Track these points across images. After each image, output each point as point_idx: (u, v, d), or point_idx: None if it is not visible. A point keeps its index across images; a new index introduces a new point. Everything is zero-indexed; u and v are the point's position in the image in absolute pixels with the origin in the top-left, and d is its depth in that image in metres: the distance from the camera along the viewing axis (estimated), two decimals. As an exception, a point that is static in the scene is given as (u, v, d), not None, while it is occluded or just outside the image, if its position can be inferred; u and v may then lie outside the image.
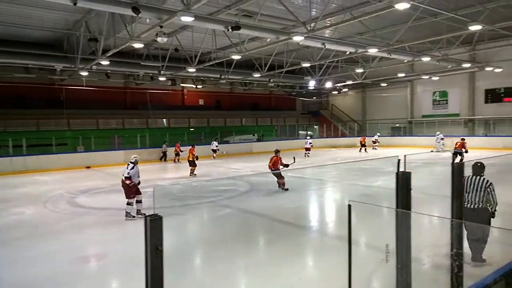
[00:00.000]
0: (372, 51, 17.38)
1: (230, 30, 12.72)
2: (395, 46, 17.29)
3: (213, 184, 13.51)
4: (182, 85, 29.90)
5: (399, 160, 2.38)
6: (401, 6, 10.81)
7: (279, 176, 11.36)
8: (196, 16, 11.61)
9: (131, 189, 8.48)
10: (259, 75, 23.96)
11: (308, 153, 23.79)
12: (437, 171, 15.09)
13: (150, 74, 24.30)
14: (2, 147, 19.68)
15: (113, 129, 26.08)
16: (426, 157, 19.03)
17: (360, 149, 26.12)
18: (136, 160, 8.77)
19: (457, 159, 16.31)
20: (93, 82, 24.42)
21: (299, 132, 35.04)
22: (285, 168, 11.48)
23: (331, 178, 14.67)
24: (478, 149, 22.84)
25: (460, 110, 28.05)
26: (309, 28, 13.88)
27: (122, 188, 8.75)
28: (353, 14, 14.44)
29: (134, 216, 8.37)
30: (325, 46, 16.42)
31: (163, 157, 23.65)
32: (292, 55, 22.28)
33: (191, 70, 20.73)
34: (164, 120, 30.33)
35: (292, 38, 14.34)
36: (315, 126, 37.87)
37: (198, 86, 28.37)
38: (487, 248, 4.78)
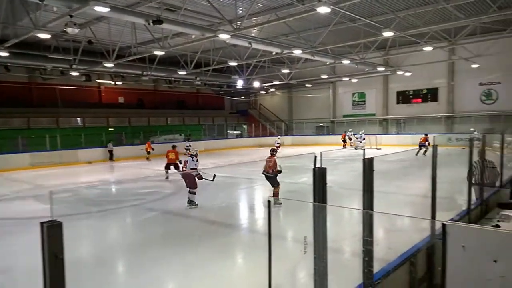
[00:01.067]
0: (297, 52, 17.70)
1: (151, 24, 11.88)
2: (318, 48, 17.83)
3: (136, 187, 13.05)
4: (98, 81, 27.57)
5: (315, 156, 2.48)
6: (323, 10, 11.14)
7: (276, 183, 9.21)
8: (112, 7, 10.59)
9: (194, 179, 9.03)
10: (185, 73, 23.08)
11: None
12: (356, 167, 15.94)
13: (60, 68, 21.91)
14: None
15: (16, 129, 23.08)
16: (347, 154, 20.08)
17: (344, 145, 26.75)
18: (196, 152, 9.85)
19: (421, 151, 18.06)
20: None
21: (228, 131, 34.77)
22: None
23: (260, 176, 14.72)
24: (391, 146, 24.88)
25: (376, 110, 30.29)
26: (235, 27, 13.56)
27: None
28: (278, 15, 14.49)
29: (197, 204, 9.01)
30: (251, 45, 16.28)
31: (110, 156, 22.33)
32: (219, 53, 21.84)
33: (109, 65, 19.11)
34: (79, 119, 27.72)
35: (218, 36, 13.89)
36: (243, 126, 37.96)
37: (117, 83, 26.40)
38: (394, 235, 4.92)
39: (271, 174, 9.01)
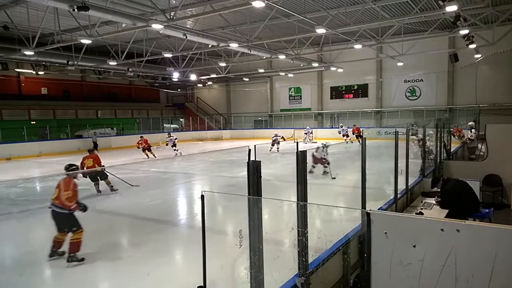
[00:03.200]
0: (233, 45, 17.61)
1: (76, 10, 10.94)
2: (254, 42, 17.91)
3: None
4: (17, 70, 24.91)
5: (249, 149, 2.42)
6: (257, 4, 11.17)
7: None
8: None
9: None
10: (115, 63, 21.75)
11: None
12: (293, 160, 16.46)
13: (-30, 55, 19.37)
14: None
15: None
16: (285, 148, 20.55)
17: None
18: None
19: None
20: None
21: (165, 125, 33.64)
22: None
23: (199, 171, 14.55)
24: (326, 139, 26.02)
25: (311, 105, 31.45)
26: (168, 17, 13.03)
27: None
28: (214, 7, 14.25)
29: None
30: (186, 37, 15.83)
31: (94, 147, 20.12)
32: (152, 44, 20.94)
33: (28, 53, 17.26)
34: (-6, 111, 24.85)
35: (150, 26, 13.25)
36: (180, 119, 37.04)
37: (39, 73, 24.04)
38: (329, 225, 5.10)
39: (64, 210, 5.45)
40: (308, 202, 4.23)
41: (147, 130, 30.87)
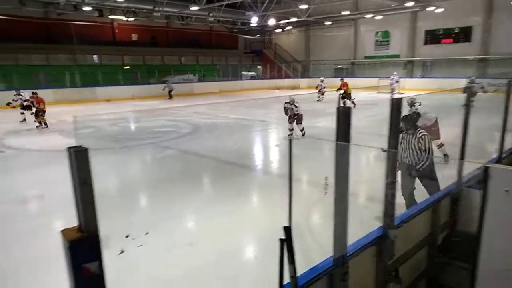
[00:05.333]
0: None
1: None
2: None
3: (153, 126, 13.21)
4: (111, 17, 26.59)
5: (340, 95, 2.14)
6: None
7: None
8: None
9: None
10: (197, 8, 21.91)
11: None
12: (376, 112, 15.44)
13: (73, 3, 21.05)
14: None
15: (36, 66, 23.01)
16: (365, 98, 19.35)
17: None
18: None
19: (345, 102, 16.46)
20: (6, 10, 20.80)
21: (243, 72, 33.92)
22: None
23: (274, 120, 14.58)
24: (414, 91, 23.86)
25: (400, 51, 28.66)
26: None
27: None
28: None
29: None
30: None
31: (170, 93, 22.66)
32: (233, -13, 20.48)
33: (119, -1, 18.20)
34: (95, 56, 27.32)
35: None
36: (258, 66, 36.87)
37: (129, 19, 25.39)
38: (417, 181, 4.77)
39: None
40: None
41: (226, 77, 31.50)
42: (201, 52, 33.59)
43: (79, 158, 1.35)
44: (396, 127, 2.97)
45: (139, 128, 13.68)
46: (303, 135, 9.89)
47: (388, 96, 19.22)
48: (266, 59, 36.76)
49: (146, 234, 4.34)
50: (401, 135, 4.54)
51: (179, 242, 4.27)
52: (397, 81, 22.39)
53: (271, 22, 29.00)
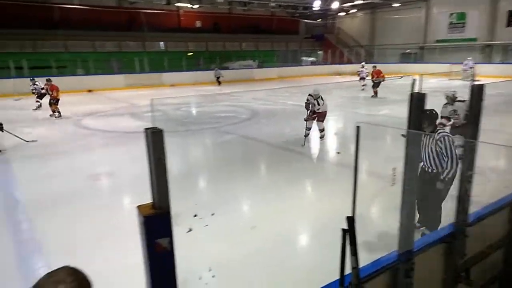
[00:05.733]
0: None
1: None
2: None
3: (214, 111, 13.56)
4: (177, 4, 27.61)
5: (413, 80, 2.04)
6: None
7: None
8: None
9: None
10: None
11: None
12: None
13: (142, -9, 22.28)
14: (4, 69, 19.16)
15: (110, 52, 24.91)
16: (437, 85, 18.01)
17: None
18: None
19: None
20: (84, 0, 22.64)
21: (302, 58, 33.34)
22: None
23: (333, 107, 14.19)
24: (491, 77, 21.69)
25: (477, 35, 26.07)
26: None
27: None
28: None
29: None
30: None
31: (218, 80, 23.03)
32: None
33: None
34: (161, 43, 28.66)
35: None
36: (318, 52, 35.96)
37: (194, 6, 26.17)
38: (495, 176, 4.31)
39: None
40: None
41: (286, 63, 31.24)
42: (262, 38, 33.60)
43: (155, 139, 1.41)
44: (476, 116, 2.73)
45: (201, 112, 14.17)
46: (321, 137, 8.29)
47: (461, 83, 17.72)
48: (327, 44, 35.72)
49: (212, 214, 4.52)
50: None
51: (243, 224, 4.41)
52: (471, 67, 20.51)
53: (335, 5, 28.04)
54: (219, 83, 23.04)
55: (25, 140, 8.50)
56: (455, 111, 6.07)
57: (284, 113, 12.92)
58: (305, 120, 8.11)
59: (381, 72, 15.55)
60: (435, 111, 3.88)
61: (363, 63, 19.73)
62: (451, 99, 6.19)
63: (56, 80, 20.05)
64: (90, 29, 24.44)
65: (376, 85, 15.22)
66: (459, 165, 3.51)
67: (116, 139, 9.21)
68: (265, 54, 31.88)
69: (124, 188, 5.87)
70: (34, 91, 14.16)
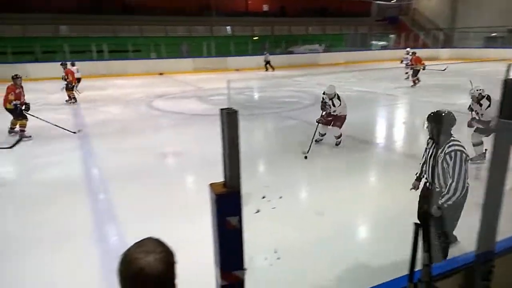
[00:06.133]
0: None
1: None
2: None
3: (277, 96, 13.55)
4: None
5: (510, 64, 1.81)
6: None
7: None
8: None
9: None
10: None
11: None
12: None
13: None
14: (86, 52, 20.97)
15: (180, 37, 26.06)
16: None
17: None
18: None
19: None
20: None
21: (372, 42, 31.67)
22: None
23: (402, 94, 13.38)
24: None
25: None
26: None
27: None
28: None
29: None
30: None
31: (267, 65, 22.46)
32: None
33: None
34: (228, 27, 29.13)
35: None
36: (390, 35, 33.81)
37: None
38: None
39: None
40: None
41: (354, 47, 29.94)
42: (329, 21, 32.50)
43: (230, 119, 1.46)
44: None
45: (263, 97, 14.27)
46: (337, 144, 6.90)
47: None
48: (401, 26, 33.43)
49: (280, 198, 4.57)
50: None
51: (309, 210, 4.44)
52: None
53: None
54: (272, 68, 22.84)
55: (71, 132, 8.09)
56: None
57: (349, 99, 12.46)
58: (316, 122, 6.71)
59: (421, 60, 14.99)
60: (452, 114, 3.06)
61: (408, 49, 18.10)
62: (477, 99, 5.51)
63: (131, 63, 21.77)
64: (163, 15, 25.65)
65: (415, 73, 14.33)
66: (467, 191, 2.87)
67: (183, 121, 9.62)
68: (333, 38, 30.86)
69: (190, 167, 6.13)
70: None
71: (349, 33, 32.31)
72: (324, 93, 6.77)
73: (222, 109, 1.49)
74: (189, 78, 19.98)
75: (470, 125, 5.56)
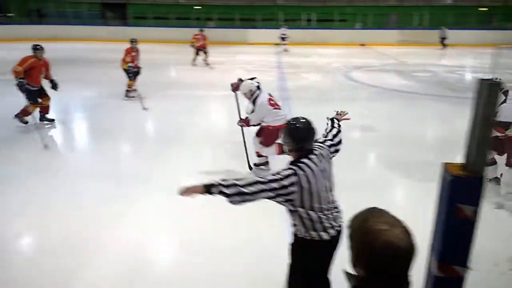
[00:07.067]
0: None
1: None
2: None
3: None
4: None
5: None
6: None
7: None
8: None
9: None
10: None
11: None
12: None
13: None
14: (296, 20, 22.49)
15: (390, 6, 24.45)
16: None
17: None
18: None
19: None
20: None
21: None
22: None
23: None
24: None
25: None
26: None
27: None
28: None
29: None
30: None
31: (442, 42, 19.34)
32: None
33: None
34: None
35: None
36: None
37: None
38: None
39: None
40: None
41: None
42: None
43: (489, 93, 1.21)
44: None
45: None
46: (252, 167, 4.58)
47: None
48: None
49: None
50: None
51: None
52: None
53: None
54: (444, 45, 18.48)
55: (144, 108, 7.55)
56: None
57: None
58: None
59: None
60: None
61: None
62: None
63: (335, 32, 21.86)
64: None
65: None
66: None
67: (379, 95, 9.24)
68: None
69: (379, 143, 5.77)
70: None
71: None
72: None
73: (482, 80, 1.26)
74: (392, 51, 18.69)
75: None
